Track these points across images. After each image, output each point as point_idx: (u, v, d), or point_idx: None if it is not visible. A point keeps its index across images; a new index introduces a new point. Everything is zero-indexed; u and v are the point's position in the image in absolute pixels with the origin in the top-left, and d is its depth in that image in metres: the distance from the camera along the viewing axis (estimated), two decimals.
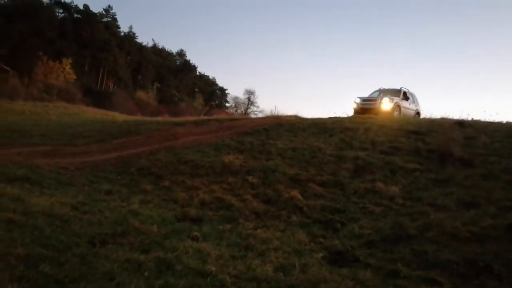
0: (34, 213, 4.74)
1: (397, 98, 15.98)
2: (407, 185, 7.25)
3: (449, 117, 13.40)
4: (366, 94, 17.19)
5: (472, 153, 8.53)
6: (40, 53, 41.77)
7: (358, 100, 16.45)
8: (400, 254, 4.53)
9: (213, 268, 3.83)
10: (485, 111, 22.66)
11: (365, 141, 9.97)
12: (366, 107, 15.94)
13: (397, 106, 15.70)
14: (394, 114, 15.20)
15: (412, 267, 4.18)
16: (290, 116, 15.50)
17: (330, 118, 14.12)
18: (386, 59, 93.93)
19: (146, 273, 3.57)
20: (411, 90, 17.20)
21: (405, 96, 16.58)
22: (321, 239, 5.24)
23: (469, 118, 12.78)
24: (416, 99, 17.59)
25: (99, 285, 3.12)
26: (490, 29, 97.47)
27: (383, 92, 16.85)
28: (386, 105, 15.46)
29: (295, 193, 6.83)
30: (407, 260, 4.36)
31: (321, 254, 4.68)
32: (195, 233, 5.04)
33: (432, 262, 4.29)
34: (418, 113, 17.17)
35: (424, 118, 14.55)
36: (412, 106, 16.91)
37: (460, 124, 11.49)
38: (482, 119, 12.59)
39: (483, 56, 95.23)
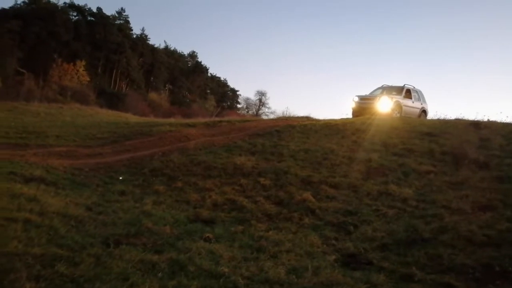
0: (49, 214, 4.84)
1: (398, 96, 14.92)
2: (420, 188, 7.16)
3: (464, 118, 13.18)
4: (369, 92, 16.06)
5: (487, 155, 8.38)
6: (55, 56, 42.53)
7: (356, 99, 15.39)
8: (414, 258, 4.47)
9: (226, 270, 3.85)
10: (501, 112, 21.93)
11: (377, 143, 9.89)
12: (364, 106, 14.90)
13: (398, 106, 14.64)
14: (394, 115, 14.18)
15: (426, 271, 4.12)
16: (302, 117, 15.46)
17: (342, 119, 14.02)
18: (401, 58, 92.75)
19: (159, 274, 3.61)
20: (417, 87, 16.10)
21: (408, 94, 15.43)
22: (333, 242, 5.21)
23: (485, 120, 12.57)
24: (423, 96, 16.29)
25: (114, 285, 3.16)
26: (509, 29, 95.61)
27: (386, 89, 15.69)
28: (384, 104, 14.41)
29: (307, 195, 6.80)
30: (421, 264, 4.30)
31: (333, 257, 4.66)
32: (207, 234, 5.07)
33: (447, 266, 4.23)
34: (424, 112, 15.98)
35: (438, 119, 14.17)
36: (417, 105, 15.68)
37: (476, 125, 11.31)
38: (498, 121, 12.35)
39: (500, 57, 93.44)
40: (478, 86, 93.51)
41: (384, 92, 15.45)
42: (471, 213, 5.72)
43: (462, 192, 6.63)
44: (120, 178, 7.90)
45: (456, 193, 6.64)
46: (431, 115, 16.05)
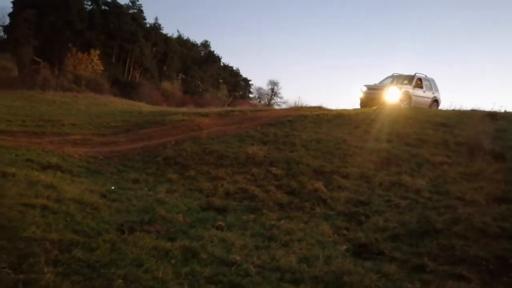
0: (66, 200, 4.94)
1: (408, 86, 14.42)
2: (434, 179, 7.08)
3: (480, 109, 12.92)
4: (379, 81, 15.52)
5: (504, 146, 8.24)
6: (70, 45, 42.97)
7: (364, 89, 14.89)
8: (426, 249, 4.44)
9: (238, 258, 3.89)
10: None
11: (390, 133, 9.79)
12: (372, 96, 14.43)
13: (406, 95, 14.13)
14: (403, 105, 13.71)
15: (438, 262, 4.10)
16: (314, 107, 15.37)
17: (355, 109, 13.89)
18: (418, 47, 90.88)
19: (172, 261, 3.68)
20: (429, 76, 15.47)
21: (419, 83, 14.88)
22: (344, 231, 5.21)
23: (502, 110, 12.31)
24: (435, 85, 15.70)
25: (129, 271, 3.23)
26: None
27: (396, 78, 15.18)
28: (392, 94, 13.93)
29: (319, 184, 6.80)
30: (434, 255, 4.27)
31: (345, 246, 4.67)
32: (219, 222, 5.12)
33: (460, 257, 4.19)
34: (436, 101, 15.42)
35: (453, 110, 13.88)
36: (428, 94, 15.14)
37: (492, 116, 11.10)
38: None
39: None
40: (496, 76, 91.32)
41: (394, 81, 15.00)
42: (485, 204, 5.64)
43: (476, 184, 6.54)
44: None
45: (471, 185, 6.55)
46: (447, 105, 15.56)
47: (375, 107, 13.31)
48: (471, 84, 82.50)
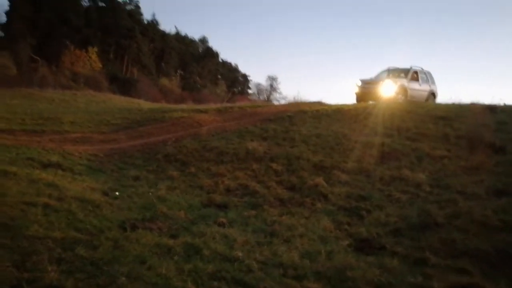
0: (68, 198, 4.95)
1: (403, 79, 14.25)
2: (434, 172, 7.10)
3: (479, 103, 12.90)
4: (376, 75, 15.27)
5: (504, 139, 8.24)
6: (67, 42, 42.72)
7: (359, 83, 14.77)
8: (427, 242, 4.46)
9: (240, 254, 3.91)
10: None
11: (390, 127, 9.79)
12: (368, 91, 14.28)
13: (402, 89, 13.95)
14: (398, 99, 13.53)
15: (440, 256, 4.12)
16: (314, 102, 15.33)
17: (354, 104, 13.87)
18: (416, 41, 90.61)
19: (175, 257, 3.69)
20: (425, 69, 15.33)
21: (415, 76, 14.72)
22: (346, 227, 5.23)
23: (501, 104, 12.30)
24: (432, 78, 15.50)
25: (132, 268, 3.25)
26: None
27: (392, 72, 14.97)
28: (388, 88, 13.74)
29: (320, 180, 6.81)
30: (435, 249, 4.30)
31: (346, 242, 4.68)
32: (221, 219, 5.14)
33: (461, 250, 4.22)
34: (433, 94, 15.28)
35: (453, 104, 13.87)
36: (424, 87, 14.96)
37: (492, 109, 11.09)
38: None
39: None
40: (495, 70, 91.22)
41: (390, 75, 14.85)
42: (486, 198, 5.66)
43: (477, 177, 6.55)
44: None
45: (471, 178, 6.57)
46: (446, 99, 15.54)
47: (373, 102, 13.25)
48: (470, 78, 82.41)
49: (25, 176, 5.64)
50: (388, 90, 13.79)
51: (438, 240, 4.50)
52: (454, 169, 7.15)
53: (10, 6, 41.28)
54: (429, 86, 15.28)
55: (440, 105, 13.79)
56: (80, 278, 2.98)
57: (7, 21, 41.97)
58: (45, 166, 6.88)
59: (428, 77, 15.41)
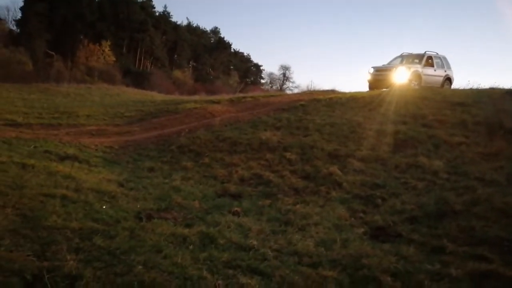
0: (84, 190, 5.04)
1: (418, 65, 13.87)
2: (452, 160, 6.96)
3: (499, 87, 12.55)
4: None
5: None
6: (81, 37, 43.19)
7: (372, 71, 14.44)
8: (445, 230, 4.39)
9: (255, 242, 3.91)
10: None
11: (406, 115, 9.62)
12: (381, 78, 13.95)
13: (416, 76, 13.60)
14: (412, 85, 13.18)
15: (458, 243, 4.05)
16: (327, 91, 15.19)
17: (368, 92, 13.67)
18: (432, 26, 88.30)
19: (190, 247, 3.72)
20: (440, 53, 14.90)
21: (430, 62, 14.31)
22: (361, 215, 5.19)
23: None
24: (447, 63, 15.05)
25: (148, 257, 3.28)
26: None
27: (405, 58, 14.63)
28: (401, 74, 13.40)
29: (334, 168, 6.76)
30: (453, 236, 4.22)
31: (362, 230, 4.65)
32: (235, 208, 5.15)
33: (480, 238, 4.13)
34: (449, 79, 14.89)
35: (471, 89, 13.50)
36: (440, 73, 14.54)
37: None
38: None
39: None
40: None
41: (404, 61, 14.51)
42: (506, 185, 5.53)
43: (496, 164, 6.40)
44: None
45: (490, 165, 6.42)
46: (463, 85, 15.20)
47: (387, 89, 13.02)
48: (489, 62, 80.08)
49: (43, 169, 5.76)
50: (401, 77, 13.47)
51: (456, 227, 4.42)
52: (472, 156, 6.99)
53: (25, 2, 41.82)
54: (445, 71, 14.87)
55: (457, 90, 13.49)
56: (98, 267, 3.03)
57: (22, 17, 42.61)
58: (62, 158, 7.01)
59: (444, 62, 15.01)
